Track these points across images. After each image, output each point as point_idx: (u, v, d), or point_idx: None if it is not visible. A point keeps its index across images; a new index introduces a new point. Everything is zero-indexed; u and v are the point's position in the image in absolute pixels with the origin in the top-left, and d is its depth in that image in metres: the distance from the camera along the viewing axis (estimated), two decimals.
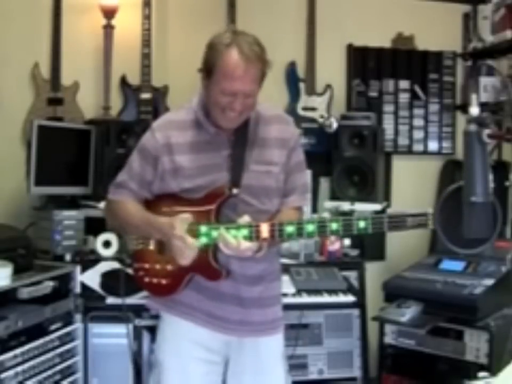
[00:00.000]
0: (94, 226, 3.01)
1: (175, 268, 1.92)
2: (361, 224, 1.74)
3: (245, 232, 1.79)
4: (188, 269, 1.89)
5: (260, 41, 1.84)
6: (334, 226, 1.77)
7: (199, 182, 1.90)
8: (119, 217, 2.04)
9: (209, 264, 1.89)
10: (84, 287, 2.82)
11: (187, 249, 1.82)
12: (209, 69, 1.82)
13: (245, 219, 1.82)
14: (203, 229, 1.85)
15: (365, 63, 3.82)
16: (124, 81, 3.48)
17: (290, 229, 1.79)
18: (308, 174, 2.13)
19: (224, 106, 1.82)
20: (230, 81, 1.78)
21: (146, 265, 2.00)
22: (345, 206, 3.45)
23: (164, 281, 1.97)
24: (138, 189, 1.99)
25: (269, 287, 2.02)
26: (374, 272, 3.43)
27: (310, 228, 1.79)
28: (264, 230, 1.79)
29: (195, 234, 1.85)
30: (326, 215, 3.34)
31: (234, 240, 1.78)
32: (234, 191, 1.88)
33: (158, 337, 2.07)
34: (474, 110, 1.53)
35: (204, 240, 1.85)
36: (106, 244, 2.99)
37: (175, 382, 1.99)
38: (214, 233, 1.83)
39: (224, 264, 1.90)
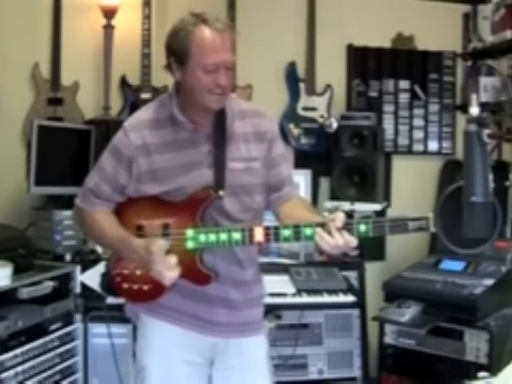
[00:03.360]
0: None
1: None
2: (362, 228, 1.69)
3: (237, 236, 1.75)
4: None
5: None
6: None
7: (180, 181, 1.84)
8: (91, 231, 1.99)
9: (197, 269, 1.83)
10: (84, 287, 2.82)
11: (168, 272, 1.76)
12: (182, 54, 1.78)
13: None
14: (190, 233, 1.79)
15: (365, 63, 3.81)
16: (123, 81, 3.48)
17: (286, 232, 1.73)
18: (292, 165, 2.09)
19: (209, 85, 1.77)
20: (211, 54, 1.75)
21: (125, 271, 1.92)
22: (345, 206, 3.45)
23: (145, 287, 1.89)
24: (110, 192, 1.91)
25: (254, 288, 2.01)
26: (374, 272, 3.44)
27: (308, 231, 1.72)
28: (258, 233, 1.74)
29: (179, 242, 1.80)
30: (325, 215, 3.34)
31: (342, 240, 1.67)
32: (221, 193, 1.82)
33: (140, 342, 2.01)
34: (474, 110, 1.53)
35: (190, 244, 1.80)
36: None
37: None
38: (202, 238, 1.78)
39: (212, 267, 1.86)
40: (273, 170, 1.95)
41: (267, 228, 1.75)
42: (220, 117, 1.89)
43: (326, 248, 1.70)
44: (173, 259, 1.76)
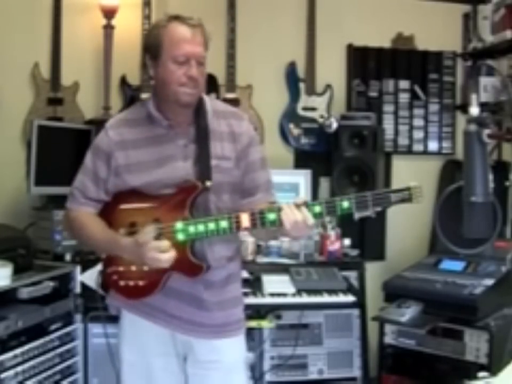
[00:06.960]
0: None
1: (152, 268, 1.87)
2: (345, 204, 1.74)
3: (224, 224, 1.79)
4: (166, 268, 1.85)
5: None
6: (317, 209, 1.75)
7: (156, 174, 1.90)
8: (79, 235, 2.03)
9: (188, 260, 1.86)
10: (84, 287, 2.82)
11: (163, 255, 1.79)
12: (155, 48, 1.87)
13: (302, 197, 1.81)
14: (179, 225, 1.83)
15: (365, 63, 3.82)
16: (123, 81, 3.48)
17: (272, 216, 1.76)
18: (270, 171, 2.07)
19: (181, 77, 1.83)
20: (181, 46, 1.83)
21: (121, 268, 1.94)
22: None
23: (141, 283, 1.92)
24: (94, 189, 1.97)
25: (230, 289, 2.01)
26: (374, 272, 3.43)
27: None
28: (245, 219, 1.78)
29: (169, 235, 1.83)
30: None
31: (301, 215, 1.73)
32: (208, 183, 1.87)
33: (120, 334, 2.07)
34: (474, 110, 1.53)
35: (181, 236, 1.83)
36: None
37: (137, 377, 2.00)
38: (191, 229, 1.82)
39: (202, 258, 1.90)
40: (248, 175, 1.98)
41: (252, 213, 1.79)
42: (201, 114, 1.94)
43: (286, 225, 1.74)
44: (164, 242, 1.80)
